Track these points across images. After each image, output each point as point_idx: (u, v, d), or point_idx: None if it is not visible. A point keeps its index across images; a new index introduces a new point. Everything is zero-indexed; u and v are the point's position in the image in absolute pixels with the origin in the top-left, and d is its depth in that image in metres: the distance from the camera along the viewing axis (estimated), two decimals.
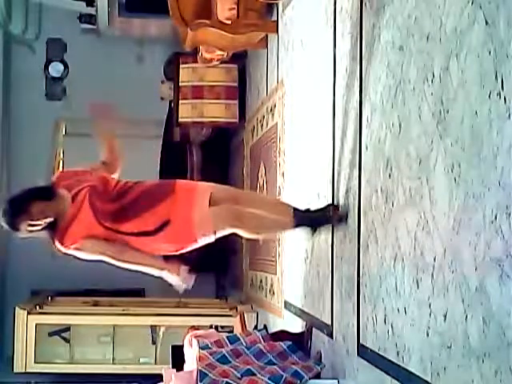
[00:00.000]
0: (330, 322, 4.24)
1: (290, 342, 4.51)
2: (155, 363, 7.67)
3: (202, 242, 4.05)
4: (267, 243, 6.55)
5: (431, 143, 2.80)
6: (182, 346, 5.02)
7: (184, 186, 4.08)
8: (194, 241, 4.04)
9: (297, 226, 4.10)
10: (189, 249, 4.10)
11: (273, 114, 6.46)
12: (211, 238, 4.05)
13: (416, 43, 3.00)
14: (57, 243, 3.96)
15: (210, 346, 4.51)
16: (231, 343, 4.60)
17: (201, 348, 4.43)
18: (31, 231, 3.88)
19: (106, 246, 3.99)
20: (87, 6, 9.64)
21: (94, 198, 3.95)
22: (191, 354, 4.67)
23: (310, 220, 4.09)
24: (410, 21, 3.07)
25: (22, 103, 10.01)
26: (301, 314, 5.09)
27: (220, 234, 4.07)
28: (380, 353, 3.34)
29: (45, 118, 9.96)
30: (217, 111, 8.51)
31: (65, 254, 4.04)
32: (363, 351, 3.60)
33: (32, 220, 3.84)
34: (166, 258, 4.13)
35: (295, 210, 4.12)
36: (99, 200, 3.96)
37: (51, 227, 3.92)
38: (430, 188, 2.80)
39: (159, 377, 4.94)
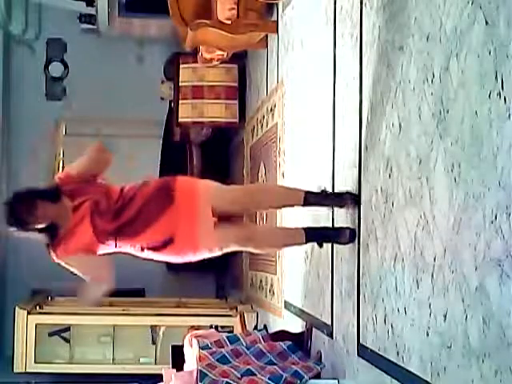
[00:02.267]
0: (330, 322, 4.24)
1: (289, 342, 4.51)
2: (155, 363, 7.66)
3: (208, 255, 3.99)
4: None
5: (431, 143, 2.80)
6: (182, 346, 5.02)
7: (183, 195, 3.88)
8: (199, 255, 3.97)
9: (308, 241, 4.06)
10: (192, 260, 4.02)
11: (273, 114, 6.46)
12: (217, 253, 3.99)
13: (416, 43, 3.00)
14: (50, 250, 3.93)
15: (210, 345, 4.51)
16: (231, 343, 4.60)
17: (201, 348, 4.43)
18: (29, 230, 3.84)
19: (87, 268, 3.95)
20: (87, 6, 9.65)
21: (95, 215, 3.85)
22: (191, 353, 4.67)
23: (322, 236, 4.05)
24: (410, 21, 3.07)
25: (22, 103, 10.02)
26: (301, 314, 5.09)
27: (226, 251, 4.02)
28: (380, 353, 3.34)
29: (45, 118, 9.96)
30: (217, 111, 8.51)
31: (54, 261, 4.00)
32: (363, 351, 3.60)
33: (36, 219, 3.80)
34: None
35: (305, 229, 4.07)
36: (100, 218, 3.86)
37: (49, 232, 3.89)
38: (430, 188, 2.80)
39: (159, 377, 4.95)
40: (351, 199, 3.82)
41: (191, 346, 4.73)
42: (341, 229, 3.95)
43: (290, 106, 5.73)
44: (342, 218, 4.05)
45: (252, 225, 4.48)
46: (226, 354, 4.35)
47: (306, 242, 4.06)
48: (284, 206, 4.28)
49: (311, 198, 3.93)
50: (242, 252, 8.36)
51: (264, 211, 6.37)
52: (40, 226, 3.83)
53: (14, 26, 9.96)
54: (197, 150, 9.60)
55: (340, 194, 3.96)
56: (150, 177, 4.15)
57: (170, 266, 9.85)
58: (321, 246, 4.07)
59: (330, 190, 4.20)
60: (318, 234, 4.05)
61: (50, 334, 7.84)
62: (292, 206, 4.13)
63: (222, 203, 3.93)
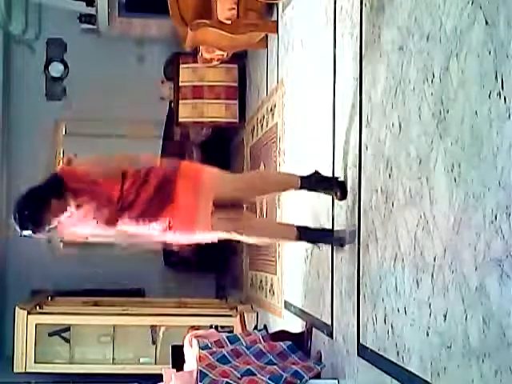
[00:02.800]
0: (330, 322, 4.24)
1: (289, 342, 4.51)
2: (155, 363, 7.66)
3: (202, 240, 4.05)
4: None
5: (431, 143, 2.80)
6: (181, 346, 5.02)
7: (185, 186, 3.96)
8: (193, 239, 4.04)
9: (300, 239, 4.15)
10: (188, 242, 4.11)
11: (273, 114, 6.46)
12: (211, 236, 4.04)
13: (416, 43, 3.00)
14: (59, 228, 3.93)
15: (210, 345, 4.51)
16: (231, 343, 4.60)
17: (201, 348, 4.43)
18: (50, 229, 3.85)
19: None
20: (87, 6, 9.65)
21: (98, 217, 3.94)
22: (191, 354, 4.67)
23: (314, 237, 4.14)
24: (410, 21, 3.07)
25: (22, 103, 10.02)
26: (301, 314, 5.09)
27: (220, 236, 4.08)
28: (380, 353, 3.34)
29: (45, 118, 9.96)
30: (217, 111, 8.51)
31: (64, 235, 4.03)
32: (363, 351, 3.60)
33: (51, 219, 3.81)
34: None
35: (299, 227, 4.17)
36: (101, 217, 3.94)
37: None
38: (430, 188, 2.80)
39: (159, 377, 4.94)
40: (338, 185, 4.02)
41: (191, 345, 4.72)
42: (335, 231, 4.08)
43: (290, 106, 5.73)
44: (341, 218, 4.06)
45: (247, 213, 4.59)
46: (226, 354, 4.35)
47: (297, 240, 4.15)
48: (284, 191, 4.47)
49: (305, 182, 4.09)
50: (242, 252, 8.37)
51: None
52: (53, 225, 3.83)
53: (14, 26, 9.95)
54: (197, 150, 9.60)
55: (329, 179, 4.13)
56: (151, 164, 4.11)
57: (167, 262, 9.86)
58: (319, 247, 4.11)
59: (329, 196, 4.25)
60: (311, 234, 4.13)
61: (50, 334, 7.84)
62: (290, 189, 4.28)
63: (224, 192, 4.01)
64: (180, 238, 4.03)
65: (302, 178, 4.10)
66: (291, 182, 4.17)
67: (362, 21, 3.78)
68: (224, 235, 4.07)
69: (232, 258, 9.40)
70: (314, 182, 4.10)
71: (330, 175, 4.21)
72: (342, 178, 4.06)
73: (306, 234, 4.11)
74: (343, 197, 4.00)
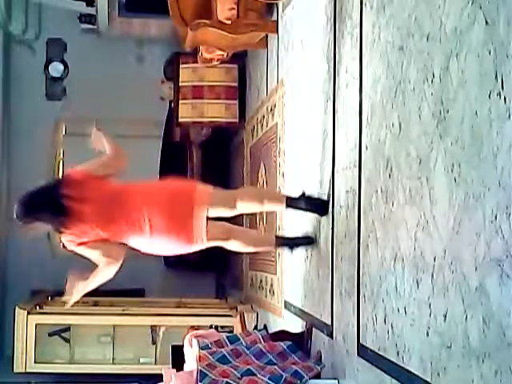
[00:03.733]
0: (330, 322, 4.24)
1: (289, 342, 4.51)
2: (155, 363, 7.66)
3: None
4: None
5: (431, 143, 2.80)
6: (182, 346, 5.02)
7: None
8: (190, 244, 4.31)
9: (279, 246, 4.83)
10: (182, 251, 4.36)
11: (273, 114, 6.46)
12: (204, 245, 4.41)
13: (416, 43, 3.00)
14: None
15: (210, 345, 4.51)
16: (231, 343, 4.60)
17: (201, 348, 4.43)
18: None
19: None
20: (87, 6, 9.66)
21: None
22: (191, 354, 4.66)
23: (292, 243, 4.73)
24: (410, 21, 3.07)
25: (22, 103, 10.02)
26: (301, 314, 5.09)
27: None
28: (380, 353, 3.34)
29: (45, 118, 9.96)
30: (217, 111, 8.51)
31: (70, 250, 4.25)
32: (363, 351, 3.60)
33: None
34: None
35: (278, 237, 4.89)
36: None
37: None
38: (430, 188, 2.80)
39: (159, 377, 4.94)
40: (322, 206, 4.36)
41: (191, 346, 4.72)
42: (306, 237, 4.64)
43: (289, 106, 5.73)
44: (341, 217, 4.06)
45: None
46: (226, 354, 4.35)
47: (276, 247, 4.92)
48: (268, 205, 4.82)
49: (292, 201, 4.51)
50: (242, 252, 8.35)
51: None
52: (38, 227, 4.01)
53: (14, 26, 9.96)
54: (197, 150, 9.60)
55: (314, 199, 4.47)
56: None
57: (167, 262, 9.86)
58: (291, 250, 4.74)
59: (329, 189, 4.27)
60: (288, 242, 4.79)
61: (50, 334, 7.84)
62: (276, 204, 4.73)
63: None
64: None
65: (290, 198, 4.52)
66: (278, 198, 4.67)
67: (361, 21, 3.78)
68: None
69: (232, 258, 9.40)
70: (299, 201, 4.47)
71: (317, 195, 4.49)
72: (325, 198, 4.35)
73: (283, 241, 4.80)
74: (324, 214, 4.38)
